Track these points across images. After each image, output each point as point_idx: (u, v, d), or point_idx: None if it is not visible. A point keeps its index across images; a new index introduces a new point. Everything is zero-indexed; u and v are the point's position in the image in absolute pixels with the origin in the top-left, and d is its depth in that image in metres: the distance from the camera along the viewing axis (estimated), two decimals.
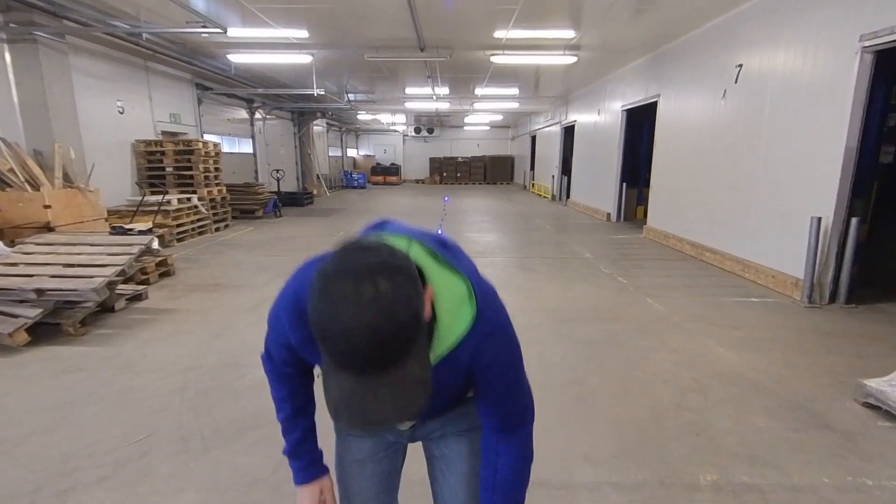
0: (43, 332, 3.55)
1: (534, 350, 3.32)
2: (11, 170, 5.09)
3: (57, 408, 2.60)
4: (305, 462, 1.08)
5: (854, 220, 4.14)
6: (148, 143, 8.04)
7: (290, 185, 14.60)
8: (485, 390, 0.89)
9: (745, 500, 1.90)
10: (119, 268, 3.76)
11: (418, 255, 0.81)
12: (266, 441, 2.30)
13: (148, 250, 4.18)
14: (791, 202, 4.69)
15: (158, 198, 7.04)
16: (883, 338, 3.53)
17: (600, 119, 10.70)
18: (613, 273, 5.58)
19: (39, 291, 3.51)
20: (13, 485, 1.98)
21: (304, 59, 8.21)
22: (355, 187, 20.12)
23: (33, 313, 3.43)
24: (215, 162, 8.70)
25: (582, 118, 12.20)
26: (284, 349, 0.96)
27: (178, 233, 7.31)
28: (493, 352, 0.85)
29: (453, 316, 0.79)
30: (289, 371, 1.01)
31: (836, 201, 4.19)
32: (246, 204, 10.47)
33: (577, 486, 2.00)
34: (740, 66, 5.52)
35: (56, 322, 3.59)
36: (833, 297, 4.38)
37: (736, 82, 5.59)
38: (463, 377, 0.87)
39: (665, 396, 2.71)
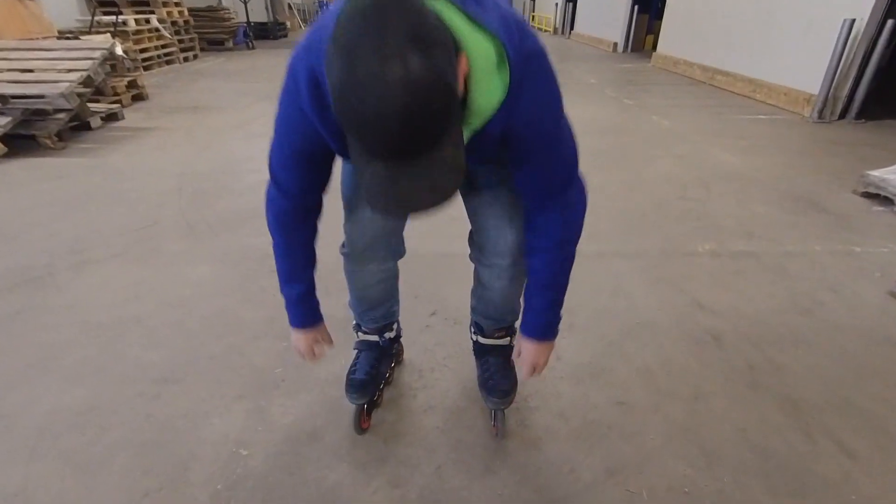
0: (19, 145, 3.34)
1: None
2: None
3: (54, 204, 2.54)
4: (303, 310, 1.04)
5: (889, 23, 3.79)
6: None
7: (259, 15, 12.97)
8: (522, 155, 0.78)
9: (741, 262, 2.00)
10: (83, 73, 3.40)
11: (445, 11, 0.62)
12: None
13: (112, 57, 3.75)
14: (824, 4, 4.23)
15: (113, 18, 6.18)
16: (887, 146, 3.49)
17: None
18: (619, 96, 5.28)
19: (3, 98, 3.21)
20: (25, 263, 2.00)
21: None
22: None
23: (2, 121, 3.18)
24: None
25: None
26: (295, 158, 0.83)
27: (143, 59, 6.61)
28: (527, 107, 0.71)
29: (486, 85, 0.66)
30: (293, 207, 0.91)
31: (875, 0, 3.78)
32: (213, 32, 9.38)
33: (582, 254, 2.07)
34: None
35: (30, 134, 3.35)
36: (844, 114, 4.23)
37: None
38: (497, 146, 0.76)
39: (668, 192, 2.72)
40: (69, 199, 2.61)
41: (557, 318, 0.97)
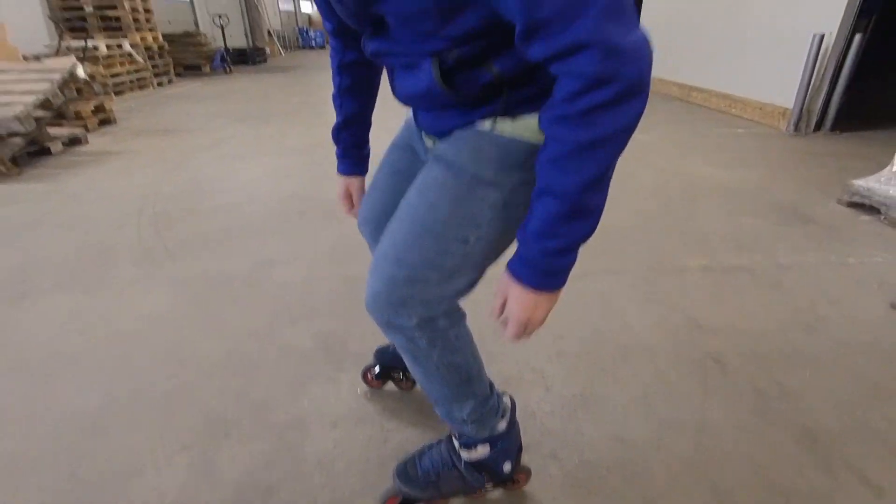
0: None
1: None
2: None
3: (1, 232, 2.35)
4: (340, 151, 1.06)
5: (857, 37, 3.86)
6: None
7: (238, 41, 12.96)
8: None
9: (735, 277, 1.90)
10: (40, 96, 3.23)
11: None
12: (240, 250, 2.14)
13: (73, 79, 3.59)
14: (792, 21, 4.32)
15: (82, 43, 6.03)
16: (867, 156, 3.50)
17: None
18: None
19: None
20: None
21: None
22: (313, 47, 18.13)
23: None
24: (143, 1, 7.42)
25: None
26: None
27: (115, 84, 6.44)
28: None
29: None
30: (332, 30, 0.89)
31: (843, 13, 3.85)
32: (189, 58, 9.27)
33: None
34: None
35: None
36: (819, 126, 4.28)
37: None
38: None
39: (653, 205, 2.64)
40: (17, 227, 2.41)
41: (564, 254, 0.61)
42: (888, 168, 2.48)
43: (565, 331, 1.55)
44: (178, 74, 8.64)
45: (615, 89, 0.51)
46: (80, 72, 3.52)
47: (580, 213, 0.58)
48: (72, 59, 3.93)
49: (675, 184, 2.97)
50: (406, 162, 0.91)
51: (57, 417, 1.24)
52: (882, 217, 2.39)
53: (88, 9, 6.87)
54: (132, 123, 4.87)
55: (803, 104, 4.17)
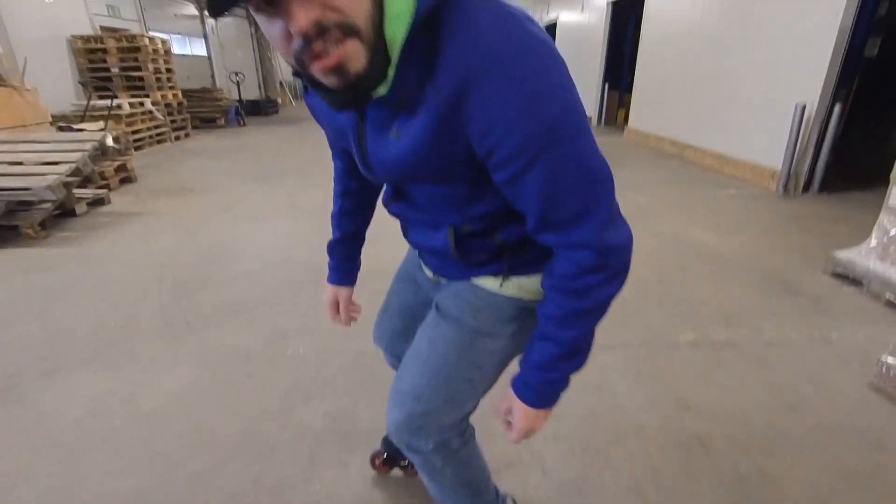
0: (0, 236, 3.33)
1: None
2: None
3: (28, 302, 2.49)
4: (333, 263, 1.12)
5: (837, 107, 4.11)
6: (86, 39, 7.17)
7: (251, 92, 13.59)
8: (501, 178, 0.62)
9: (722, 354, 2.01)
10: (72, 165, 3.47)
11: None
12: (257, 321, 2.27)
13: (102, 148, 3.85)
14: (777, 91, 4.59)
15: (108, 102, 6.42)
16: (852, 220, 3.66)
17: (584, 17, 10.04)
18: None
19: None
20: None
21: None
22: None
23: None
24: (166, 62, 7.90)
25: (564, 16, 11.43)
26: (333, 148, 0.98)
27: (135, 140, 6.79)
28: (486, 98, 0.54)
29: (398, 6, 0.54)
30: (342, 168, 1.01)
31: (822, 87, 4.12)
32: (206, 111, 9.75)
33: None
34: None
35: (13, 225, 3.36)
36: (807, 187, 4.47)
37: None
38: (451, 150, 0.61)
39: (648, 274, 2.78)
40: (46, 295, 2.57)
41: (559, 382, 0.75)
42: (866, 242, 2.62)
43: (563, 412, 1.65)
44: (194, 127, 9.06)
45: (605, 275, 0.67)
46: (110, 141, 3.78)
47: (575, 354, 0.74)
48: (101, 126, 4.22)
49: (669, 250, 3.12)
50: (411, 293, 1.05)
51: (90, 502, 1.34)
52: (864, 290, 2.51)
53: (115, 70, 7.34)
54: (151, 181, 5.13)
55: (791, 167, 4.37)
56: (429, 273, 0.97)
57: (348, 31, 0.51)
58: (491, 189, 0.69)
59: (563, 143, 0.58)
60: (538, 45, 0.54)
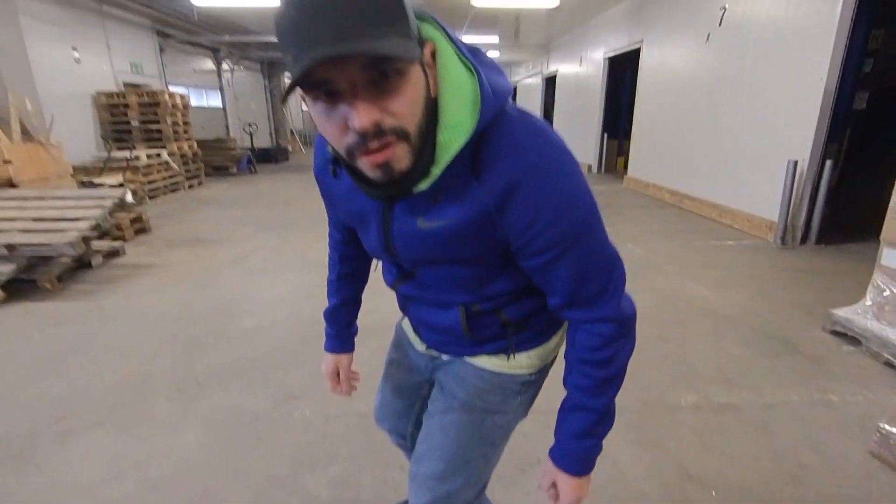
0: (18, 289, 3.45)
1: None
2: None
3: (45, 358, 2.57)
4: (333, 331, 1.11)
5: (828, 163, 4.26)
6: (110, 95, 7.58)
7: (263, 140, 14.10)
8: (533, 264, 0.72)
9: (724, 417, 2.04)
10: (93, 221, 3.63)
11: (430, 27, 0.65)
12: (265, 381, 2.33)
13: (121, 204, 4.02)
14: (770, 146, 4.77)
15: (126, 153, 6.72)
16: (850, 273, 3.72)
17: (582, 69, 10.50)
18: None
19: (11, 247, 3.37)
20: (8, 429, 1.98)
21: (271, 2, 7.71)
22: None
23: (7, 269, 3.31)
24: (184, 115, 8.30)
25: (564, 68, 11.96)
26: (334, 226, 1.01)
27: (150, 190, 7.05)
28: (530, 198, 0.64)
29: (459, 99, 0.62)
30: (340, 239, 1.03)
31: (812, 144, 4.28)
32: (219, 160, 10.11)
33: None
34: (724, 8, 5.44)
35: (31, 279, 3.48)
36: (805, 239, 4.56)
37: (720, 25, 5.52)
38: (483, 238, 0.70)
39: (648, 332, 2.83)
40: (61, 351, 2.64)
41: (596, 447, 0.81)
42: (862, 301, 2.68)
43: None
44: (207, 174, 9.38)
45: (623, 341, 0.77)
46: (129, 197, 3.95)
47: (607, 417, 0.81)
48: (120, 180, 4.41)
49: (669, 307, 3.18)
50: (405, 373, 1.10)
51: None
52: (864, 349, 2.54)
53: (135, 123, 7.71)
54: (165, 232, 5.30)
55: (787, 219, 4.48)
56: (420, 347, 1.02)
57: (401, 135, 0.58)
58: (503, 272, 0.78)
59: (588, 236, 0.69)
60: (564, 155, 0.66)
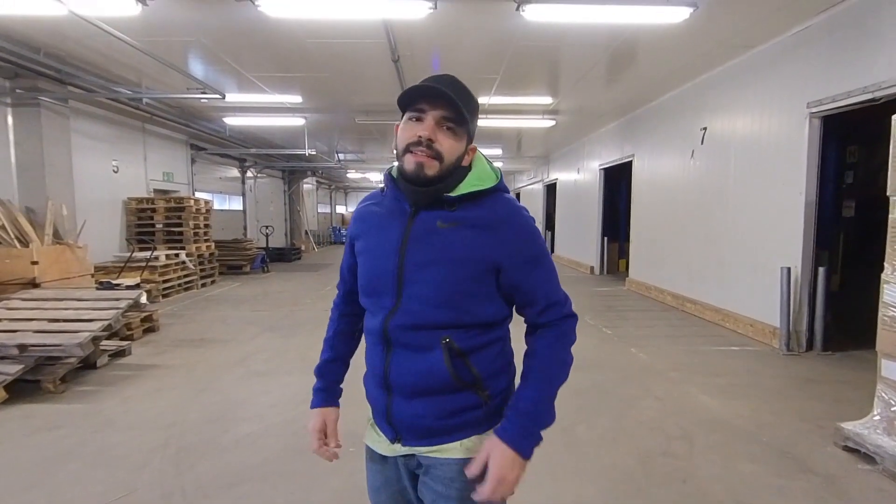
0: (21, 388, 3.47)
1: None
2: (2, 226, 5.13)
3: (33, 466, 2.52)
4: (320, 386, 1.21)
5: (821, 270, 4.36)
6: (139, 200, 8.18)
7: (278, 240, 14.73)
8: (514, 276, 1.00)
9: None
10: (105, 322, 3.75)
11: (478, 153, 1.08)
12: (252, 495, 2.25)
13: (136, 305, 4.18)
14: (761, 254, 4.93)
15: (147, 254, 7.08)
16: (858, 383, 3.62)
17: (580, 177, 11.21)
18: (598, 324, 5.67)
19: (22, 347, 3.46)
20: None
21: (297, 121, 8.61)
22: (343, 243, 20.34)
23: (13, 370, 3.37)
24: (205, 218, 8.83)
25: (563, 176, 12.75)
26: (348, 270, 1.18)
27: (165, 288, 7.28)
28: (514, 234, 1.00)
29: (483, 175, 1.04)
30: (342, 295, 1.22)
31: (802, 252, 4.42)
32: (234, 259, 10.52)
33: None
34: (704, 128, 5.97)
35: (35, 379, 3.52)
36: (810, 345, 4.50)
37: (702, 143, 6.02)
38: (476, 245, 0.97)
39: (652, 444, 2.73)
40: (50, 459, 2.59)
41: (537, 426, 0.98)
42: (871, 415, 2.60)
43: None
44: (220, 273, 9.70)
45: (573, 319, 1.06)
46: (144, 299, 4.11)
47: (551, 403, 1.00)
48: (138, 280, 4.62)
49: (674, 418, 3.08)
50: (389, 497, 1.11)
51: None
52: (880, 468, 2.42)
53: (159, 226, 8.20)
54: (173, 331, 5.39)
55: (789, 325, 4.47)
56: (388, 450, 1.06)
57: (437, 157, 0.96)
58: (484, 297, 1.00)
59: (548, 258, 1.06)
60: (528, 213, 1.05)
